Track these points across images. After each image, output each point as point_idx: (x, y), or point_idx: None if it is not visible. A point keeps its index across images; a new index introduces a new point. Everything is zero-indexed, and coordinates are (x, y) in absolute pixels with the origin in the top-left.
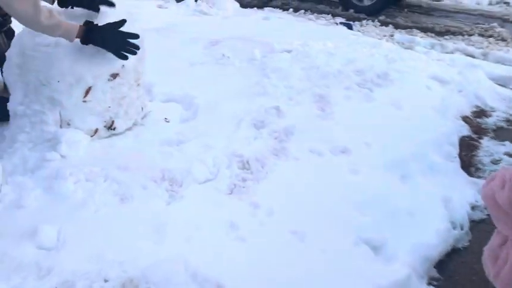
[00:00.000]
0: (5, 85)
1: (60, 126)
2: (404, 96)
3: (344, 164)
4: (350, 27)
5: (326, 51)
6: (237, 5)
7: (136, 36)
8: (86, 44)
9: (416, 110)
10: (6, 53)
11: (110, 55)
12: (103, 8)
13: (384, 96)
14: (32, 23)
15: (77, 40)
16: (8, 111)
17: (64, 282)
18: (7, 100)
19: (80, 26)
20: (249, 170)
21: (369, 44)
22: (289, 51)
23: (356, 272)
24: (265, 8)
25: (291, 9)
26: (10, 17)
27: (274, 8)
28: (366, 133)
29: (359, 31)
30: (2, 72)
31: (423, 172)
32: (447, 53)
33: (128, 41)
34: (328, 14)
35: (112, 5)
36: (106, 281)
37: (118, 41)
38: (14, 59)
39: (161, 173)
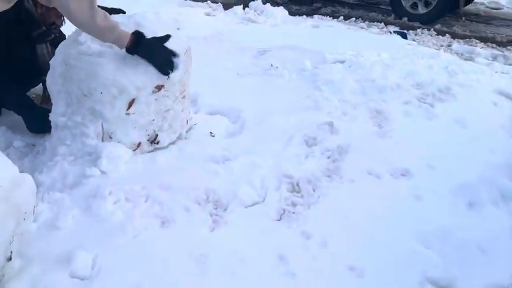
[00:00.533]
0: (48, 96)
1: (102, 140)
2: (469, 113)
3: (405, 189)
4: (404, 36)
5: (382, 62)
6: (286, 12)
7: (177, 55)
8: (132, 54)
9: (483, 129)
10: (50, 62)
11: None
12: (149, 15)
13: (447, 113)
14: (88, 24)
15: (122, 50)
16: (49, 122)
17: None
18: (49, 111)
19: (131, 34)
20: (299, 193)
21: (427, 54)
22: (342, 62)
23: None
24: (314, 16)
25: (341, 17)
26: (56, 27)
27: (323, 15)
28: (428, 154)
29: (414, 40)
30: (45, 83)
31: (494, 199)
32: (511, 65)
33: (171, 58)
34: (380, 22)
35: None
36: None
37: (162, 56)
38: (57, 68)
39: (205, 194)
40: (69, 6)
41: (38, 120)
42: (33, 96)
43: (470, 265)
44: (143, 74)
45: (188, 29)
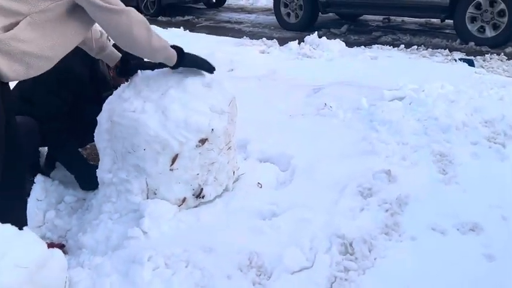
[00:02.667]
0: None
1: (147, 196)
2: None
3: (475, 246)
4: (471, 63)
5: (445, 97)
6: (343, 44)
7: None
8: (177, 68)
9: None
10: (98, 118)
11: (198, 120)
12: None
13: None
14: (145, 47)
15: (164, 105)
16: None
17: None
18: (96, 167)
19: (175, 50)
20: (352, 255)
21: (497, 83)
22: (401, 99)
23: None
24: (373, 46)
25: (402, 46)
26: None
27: (383, 44)
28: (502, 203)
29: (482, 67)
30: None
31: None
32: None
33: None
34: (444, 49)
35: None
36: None
37: (203, 61)
38: (103, 124)
39: (248, 260)
40: (132, 32)
41: (88, 178)
42: (88, 147)
43: None
44: (185, 129)
45: (242, 69)
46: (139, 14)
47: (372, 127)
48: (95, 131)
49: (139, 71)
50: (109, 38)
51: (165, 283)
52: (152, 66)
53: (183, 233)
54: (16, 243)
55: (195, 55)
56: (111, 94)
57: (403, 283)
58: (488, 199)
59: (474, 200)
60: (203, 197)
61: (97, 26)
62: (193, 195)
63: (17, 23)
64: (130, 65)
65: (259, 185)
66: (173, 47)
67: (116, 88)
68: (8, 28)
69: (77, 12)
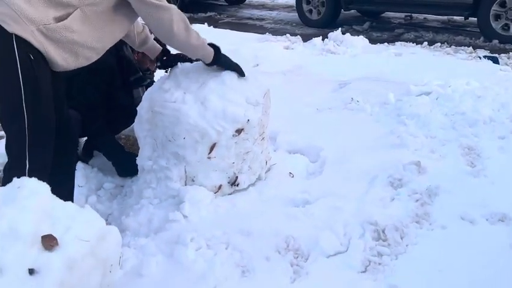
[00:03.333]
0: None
1: (185, 183)
2: None
3: (503, 236)
4: (495, 61)
5: (472, 93)
6: (366, 41)
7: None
8: (213, 65)
9: None
10: (138, 108)
11: (235, 111)
12: None
13: None
14: (185, 44)
15: (204, 96)
16: (136, 166)
17: None
18: (136, 155)
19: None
20: (385, 241)
21: None
22: (427, 94)
23: None
24: (396, 43)
25: (425, 43)
26: (151, 72)
27: (406, 41)
28: None
29: (506, 65)
30: None
31: None
32: None
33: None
34: (468, 47)
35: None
36: None
37: (235, 64)
38: (144, 114)
39: (285, 242)
40: (172, 29)
41: (126, 165)
42: (123, 137)
43: None
44: (223, 119)
45: (267, 65)
46: (181, 12)
47: (400, 121)
48: (135, 120)
49: (179, 63)
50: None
51: (208, 262)
52: (191, 59)
53: (221, 217)
54: (78, 219)
55: (229, 58)
56: (139, 78)
57: (434, 268)
58: None
59: (502, 191)
60: (238, 185)
61: (139, 20)
62: (228, 182)
63: (68, 15)
64: (170, 58)
65: (291, 175)
66: (211, 45)
67: (142, 72)
68: (60, 19)
69: (123, 6)
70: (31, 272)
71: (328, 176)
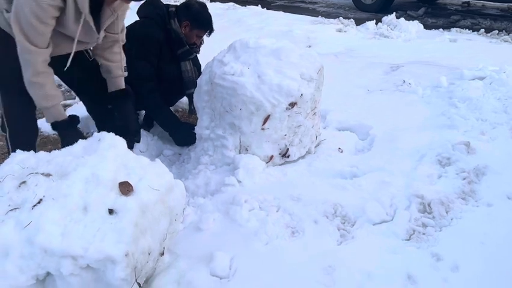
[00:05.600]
0: (193, 109)
1: (239, 152)
2: None
3: None
4: None
5: None
6: (421, 26)
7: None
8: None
9: None
10: (198, 80)
11: (290, 85)
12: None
13: None
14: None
15: (261, 70)
16: (193, 135)
17: None
18: (193, 126)
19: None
20: (430, 214)
21: None
22: (481, 79)
23: None
24: (451, 29)
25: (482, 30)
26: (197, 46)
27: (462, 28)
28: None
29: None
30: (188, 97)
31: None
32: None
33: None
34: None
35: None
36: None
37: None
38: (203, 86)
39: (333, 209)
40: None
41: (183, 136)
42: (180, 110)
43: None
44: (278, 93)
45: (319, 46)
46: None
47: (451, 103)
48: (195, 92)
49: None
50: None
51: (260, 222)
52: None
53: (272, 184)
54: (150, 170)
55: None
56: (186, 51)
57: (477, 242)
58: None
59: None
60: (288, 157)
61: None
62: (279, 154)
63: None
64: None
65: (340, 150)
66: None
67: (189, 45)
68: None
69: None
70: (111, 212)
71: (376, 152)
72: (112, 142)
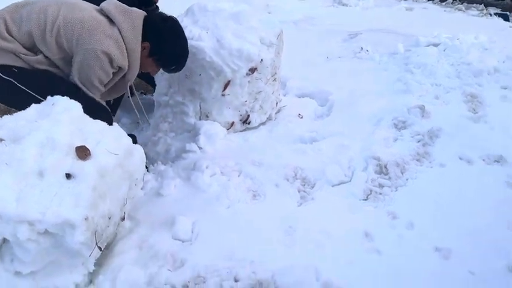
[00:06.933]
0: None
1: (200, 118)
2: None
3: (498, 175)
4: (506, 18)
5: (479, 46)
6: None
7: None
8: None
9: None
10: None
11: (250, 50)
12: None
13: None
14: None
15: (220, 34)
16: None
17: (196, 276)
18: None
19: None
20: (387, 175)
21: None
22: (436, 45)
23: None
24: None
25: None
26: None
27: None
28: None
29: None
30: None
31: None
32: None
33: None
34: (480, 4)
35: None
36: (236, 280)
37: None
38: None
39: (293, 172)
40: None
41: None
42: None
43: None
44: (238, 58)
45: (279, 14)
46: None
47: (407, 69)
48: None
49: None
50: None
51: (222, 186)
52: None
53: (234, 150)
54: (107, 134)
55: None
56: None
57: (431, 200)
58: None
59: (501, 136)
60: (249, 123)
61: None
62: (240, 120)
63: None
64: None
65: (300, 116)
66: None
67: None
68: None
69: None
70: (68, 176)
71: (335, 118)
72: (67, 106)
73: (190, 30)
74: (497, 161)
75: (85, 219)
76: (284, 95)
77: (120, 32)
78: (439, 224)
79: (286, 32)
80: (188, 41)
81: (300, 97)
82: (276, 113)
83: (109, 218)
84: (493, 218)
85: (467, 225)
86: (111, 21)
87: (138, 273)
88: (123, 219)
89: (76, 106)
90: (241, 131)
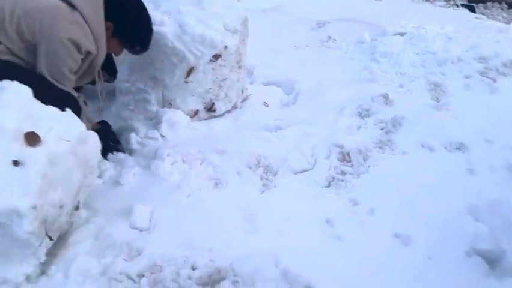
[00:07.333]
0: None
1: (163, 106)
2: None
3: (459, 162)
4: (472, 9)
5: (444, 36)
6: None
7: None
8: None
9: None
10: None
11: (213, 36)
12: None
13: (509, 87)
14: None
15: (182, 20)
16: None
17: (152, 265)
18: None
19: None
20: (349, 162)
21: (495, 28)
22: (402, 34)
23: (466, 286)
24: None
25: None
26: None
27: None
28: (486, 128)
29: (482, 14)
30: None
31: None
32: None
33: None
34: None
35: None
36: (194, 269)
37: None
38: None
39: (256, 160)
40: None
41: None
42: None
43: None
44: (201, 44)
45: (248, 1)
46: None
47: (373, 58)
48: None
49: None
50: None
51: (183, 174)
52: None
53: (197, 138)
54: (60, 121)
55: None
56: None
57: (393, 187)
58: (475, 125)
59: (462, 124)
60: (214, 111)
61: None
62: (205, 108)
63: None
64: None
65: (266, 104)
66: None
67: None
68: None
69: None
70: (16, 163)
71: (301, 106)
72: (16, 89)
73: (152, 15)
74: (459, 148)
75: (33, 207)
76: (251, 83)
77: (82, 16)
78: (399, 211)
79: (256, 20)
80: None
81: (266, 85)
82: (241, 101)
83: (61, 207)
84: (453, 204)
85: (427, 212)
86: (71, 5)
87: (92, 263)
88: (77, 208)
89: (27, 90)
90: (205, 119)
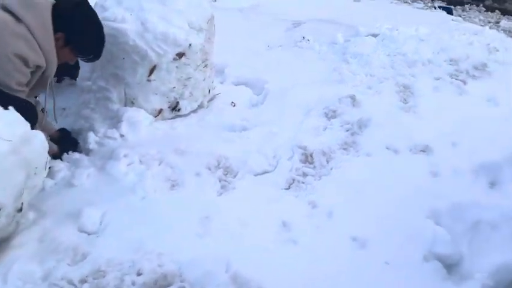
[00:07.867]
0: None
1: (125, 105)
2: (503, 92)
3: (423, 165)
4: (449, 11)
5: (417, 37)
6: None
7: None
8: None
9: None
10: None
11: (176, 34)
12: None
13: (479, 90)
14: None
15: (144, 17)
16: None
17: (96, 271)
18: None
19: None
20: (312, 164)
21: (470, 31)
22: (375, 36)
23: None
24: None
25: None
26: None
27: None
28: (453, 131)
29: (459, 16)
30: None
31: None
32: None
33: None
34: None
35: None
36: (139, 274)
37: None
38: None
39: (217, 161)
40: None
41: None
42: None
43: (481, 244)
44: (163, 42)
45: (224, 1)
46: None
47: (344, 59)
48: None
49: None
50: None
51: (139, 176)
52: None
53: (158, 138)
54: (1, 120)
55: None
56: None
57: (355, 189)
58: (442, 127)
59: (429, 127)
60: (178, 110)
61: None
62: (169, 107)
63: None
64: None
65: (233, 104)
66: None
67: None
68: None
69: None
70: None
71: (269, 106)
72: None
73: (113, 12)
74: (423, 151)
75: None
76: (221, 83)
77: (28, 28)
78: (358, 213)
79: (231, 19)
80: (111, 23)
81: (236, 85)
82: (208, 101)
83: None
84: (414, 208)
85: (386, 215)
86: (17, 18)
87: (33, 268)
88: (20, 210)
89: None
90: (170, 119)
